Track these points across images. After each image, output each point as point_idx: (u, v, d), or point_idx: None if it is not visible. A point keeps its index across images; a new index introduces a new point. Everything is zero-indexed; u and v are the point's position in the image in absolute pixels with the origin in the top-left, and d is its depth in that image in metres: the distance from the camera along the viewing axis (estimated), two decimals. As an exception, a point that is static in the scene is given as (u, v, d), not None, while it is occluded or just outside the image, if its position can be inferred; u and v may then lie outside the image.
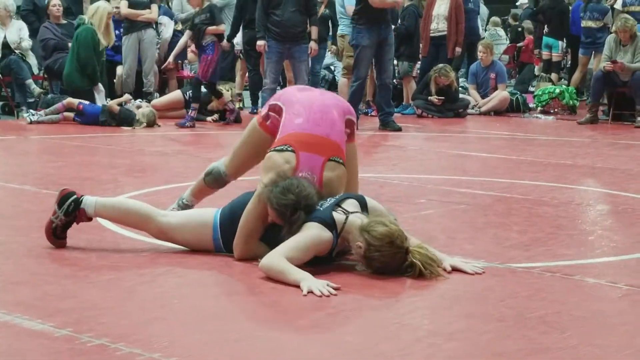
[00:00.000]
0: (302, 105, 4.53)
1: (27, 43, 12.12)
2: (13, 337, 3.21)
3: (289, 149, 4.35)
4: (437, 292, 3.92)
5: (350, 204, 4.21)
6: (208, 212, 4.50)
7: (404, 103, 13.32)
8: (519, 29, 19.39)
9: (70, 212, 4.45)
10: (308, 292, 3.75)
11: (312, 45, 10.83)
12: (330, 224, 4.09)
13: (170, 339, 3.17)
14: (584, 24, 13.95)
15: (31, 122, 10.59)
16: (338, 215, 4.13)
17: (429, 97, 12.58)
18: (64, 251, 4.48)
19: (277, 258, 3.98)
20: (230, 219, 4.35)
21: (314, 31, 10.89)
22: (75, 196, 4.47)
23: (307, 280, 3.83)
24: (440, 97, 12.54)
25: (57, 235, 4.50)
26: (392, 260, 4.05)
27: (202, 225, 4.43)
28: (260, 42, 10.69)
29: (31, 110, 11.02)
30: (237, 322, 3.45)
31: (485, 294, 3.91)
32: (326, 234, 4.07)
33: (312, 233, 4.06)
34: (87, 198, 4.50)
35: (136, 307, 3.64)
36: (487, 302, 3.77)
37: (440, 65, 12.63)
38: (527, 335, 3.31)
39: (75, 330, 3.24)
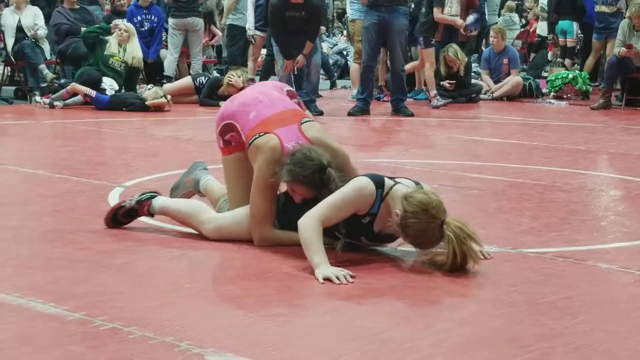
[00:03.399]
0: (246, 105, 4.49)
1: (42, 31, 12.13)
2: (26, 320, 3.23)
3: (262, 134, 4.31)
4: (447, 278, 3.91)
5: (405, 180, 4.21)
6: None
7: (416, 88, 13.29)
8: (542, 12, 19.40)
9: (141, 200, 4.57)
10: (325, 280, 3.74)
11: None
12: (379, 181, 4.08)
13: (182, 323, 3.19)
14: (597, 8, 13.88)
15: (53, 107, 10.70)
16: (388, 180, 4.13)
17: (441, 82, 12.55)
18: (78, 235, 4.50)
19: (313, 225, 3.94)
20: (279, 202, 4.36)
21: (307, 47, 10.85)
22: (154, 193, 4.63)
23: (322, 267, 3.81)
24: (452, 82, 12.50)
25: (116, 214, 4.61)
26: (426, 229, 3.94)
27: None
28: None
29: (43, 99, 11.09)
30: (249, 306, 3.46)
31: (497, 279, 3.91)
32: (370, 187, 4.03)
33: (354, 185, 4.04)
34: (159, 197, 4.61)
35: (149, 291, 3.65)
36: (499, 288, 3.77)
37: (447, 45, 12.59)
38: (538, 321, 3.31)
39: (88, 314, 3.26)
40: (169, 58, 13.08)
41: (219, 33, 14.81)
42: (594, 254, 4.35)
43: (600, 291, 3.78)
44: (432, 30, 12.21)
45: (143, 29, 12.81)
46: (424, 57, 12.27)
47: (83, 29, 12.08)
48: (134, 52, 11.42)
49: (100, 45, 11.27)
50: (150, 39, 13.04)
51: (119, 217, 4.61)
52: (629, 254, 4.40)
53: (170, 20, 12.99)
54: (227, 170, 4.61)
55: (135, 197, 4.64)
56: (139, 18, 12.90)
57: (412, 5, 12.75)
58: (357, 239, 4.19)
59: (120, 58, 11.30)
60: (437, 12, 12.03)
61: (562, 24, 15.64)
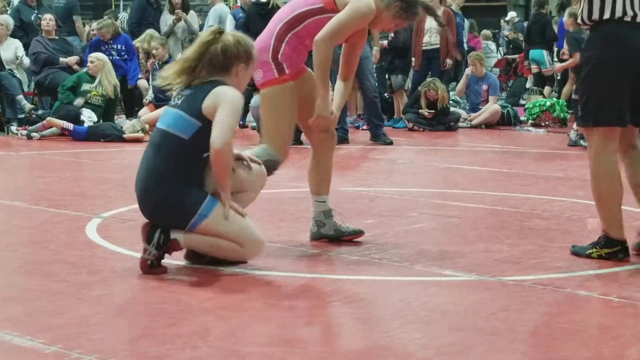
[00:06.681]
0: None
1: (27, 60, 12.18)
2: (2, 353, 3.19)
3: None
4: (427, 306, 3.91)
5: None
6: None
7: (395, 117, 13.34)
8: (520, 40, 19.45)
9: (161, 244, 4.29)
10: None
11: None
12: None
13: (160, 355, 3.16)
14: (572, 37, 13.98)
15: (30, 138, 10.67)
16: None
17: (420, 110, 12.60)
18: (55, 267, 4.46)
19: (227, 150, 4.27)
20: None
21: None
22: (160, 228, 4.31)
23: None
24: (430, 111, 12.56)
25: (154, 268, 4.32)
26: None
27: None
28: None
29: (20, 130, 11.07)
30: (229, 338, 3.43)
31: (477, 307, 3.90)
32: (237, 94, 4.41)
33: (233, 97, 4.37)
34: (175, 233, 4.32)
35: (126, 322, 3.62)
36: (479, 316, 3.77)
37: (429, 79, 12.67)
38: (518, 349, 3.30)
39: (65, 346, 3.22)
40: None
41: None
42: (573, 281, 4.35)
43: (580, 318, 3.78)
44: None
45: (111, 58, 12.67)
46: None
47: (62, 59, 12.08)
48: (111, 80, 11.39)
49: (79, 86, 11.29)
50: (124, 68, 12.92)
51: (156, 267, 4.32)
52: (607, 281, 4.40)
53: None
54: (264, 105, 4.98)
55: (148, 247, 4.28)
56: (104, 47, 12.78)
57: (392, 35, 12.83)
58: None
59: (98, 92, 11.28)
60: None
61: (533, 52, 15.74)
